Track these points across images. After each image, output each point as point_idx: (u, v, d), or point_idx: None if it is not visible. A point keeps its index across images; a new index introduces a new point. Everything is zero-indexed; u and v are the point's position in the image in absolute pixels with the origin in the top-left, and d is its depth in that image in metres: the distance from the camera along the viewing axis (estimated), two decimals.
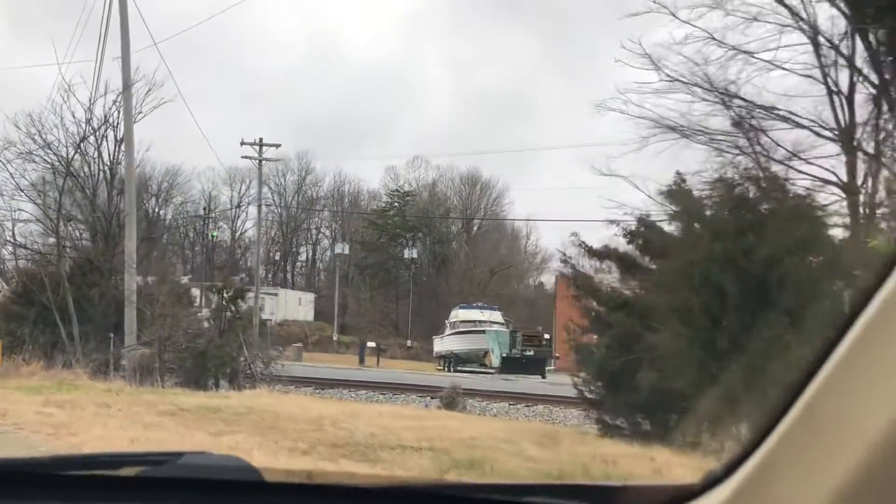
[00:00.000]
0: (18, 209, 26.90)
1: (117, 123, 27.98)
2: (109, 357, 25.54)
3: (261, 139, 59.36)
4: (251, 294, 32.46)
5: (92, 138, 27.99)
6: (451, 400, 25.30)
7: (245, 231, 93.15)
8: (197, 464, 1.95)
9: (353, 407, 20.85)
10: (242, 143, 57.57)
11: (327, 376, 32.75)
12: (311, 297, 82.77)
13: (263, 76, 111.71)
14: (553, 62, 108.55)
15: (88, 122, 27.25)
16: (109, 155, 28.26)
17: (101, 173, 28.13)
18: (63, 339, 25.82)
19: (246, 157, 58.10)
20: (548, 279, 79.95)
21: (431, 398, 27.47)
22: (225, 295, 24.87)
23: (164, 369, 23.89)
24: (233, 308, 24.74)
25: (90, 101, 27.17)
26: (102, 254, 27.70)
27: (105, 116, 27.45)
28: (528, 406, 26.14)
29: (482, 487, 2.12)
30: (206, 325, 26.15)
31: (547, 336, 55.69)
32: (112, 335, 26.27)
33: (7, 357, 23.26)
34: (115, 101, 27.33)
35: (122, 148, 27.26)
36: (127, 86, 25.80)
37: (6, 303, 28.51)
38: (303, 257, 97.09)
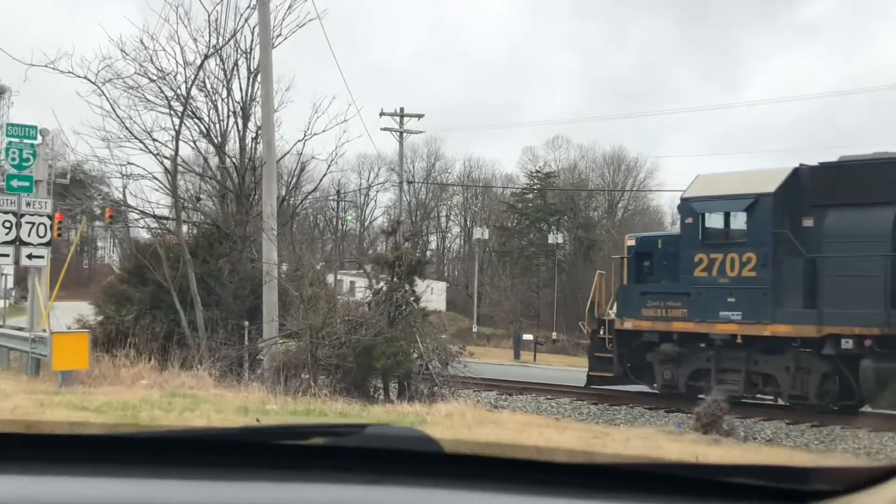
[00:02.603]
0: (129, 162, 20.68)
1: (251, 49, 21.51)
2: (243, 353, 19.06)
3: (402, 109, 53.66)
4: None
5: (217, 68, 21.55)
6: (713, 420, 17.65)
7: (374, 219, 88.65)
8: (380, 434, 1.99)
9: (594, 434, 13.70)
10: (382, 114, 51.91)
11: (493, 374, 25.96)
12: (442, 286, 78.30)
13: (389, 64, 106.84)
14: (686, 42, 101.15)
15: (216, 51, 20.83)
16: (241, 92, 21.86)
17: (231, 114, 21.73)
18: (183, 329, 19.51)
19: (386, 128, 52.54)
20: None
21: (667, 413, 20.13)
22: (397, 269, 18.03)
23: (318, 370, 17.23)
24: (406, 287, 17.89)
25: (213, 19, 20.76)
26: (233, 217, 21.30)
27: (234, 32, 20.97)
28: (814, 427, 18.27)
29: (687, 467, 1.98)
30: (367, 310, 19.34)
31: None
32: (246, 323, 19.82)
33: (108, 353, 17.02)
34: (245, 18, 20.87)
35: (258, 80, 20.78)
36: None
37: (114, 283, 22.46)
38: (433, 245, 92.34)
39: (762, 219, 18.76)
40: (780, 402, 19.59)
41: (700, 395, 19.16)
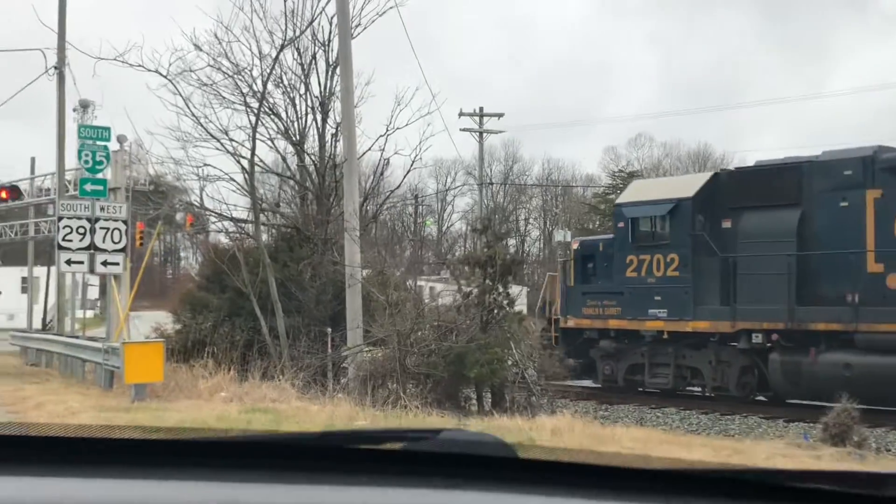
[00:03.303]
0: (205, 164, 19.69)
1: (329, 40, 20.35)
2: (327, 362, 17.87)
3: (481, 108, 52.39)
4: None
5: (294, 63, 20.46)
6: (843, 430, 15.78)
7: (451, 224, 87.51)
8: (455, 439, 1.98)
9: (726, 450, 12.04)
10: (461, 115, 50.65)
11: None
12: (522, 290, 76.37)
13: (461, 69, 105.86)
14: (769, 36, 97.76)
15: (293, 40, 19.72)
16: (320, 87, 20.71)
17: (309, 110, 20.57)
18: (264, 337, 18.41)
19: (466, 129, 51.27)
20: None
21: (787, 423, 18.32)
22: (489, 271, 16.62)
23: (407, 379, 15.92)
24: (500, 289, 16.47)
25: (290, 10, 19.68)
26: (314, 219, 20.17)
27: (311, 20, 19.84)
28: None
29: (766, 473, 2.00)
30: (456, 315, 17.96)
31: None
32: (329, 330, 18.64)
33: (185, 363, 15.96)
34: (322, 7, 19.73)
35: (338, 73, 19.61)
36: None
37: (192, 290, 21.52)
38: (511, 250, 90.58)
39: (682, 222, 19.94)
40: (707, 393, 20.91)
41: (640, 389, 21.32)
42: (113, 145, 22.00)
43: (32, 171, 44.39)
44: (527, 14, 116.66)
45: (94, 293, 65.24)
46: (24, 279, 55.54)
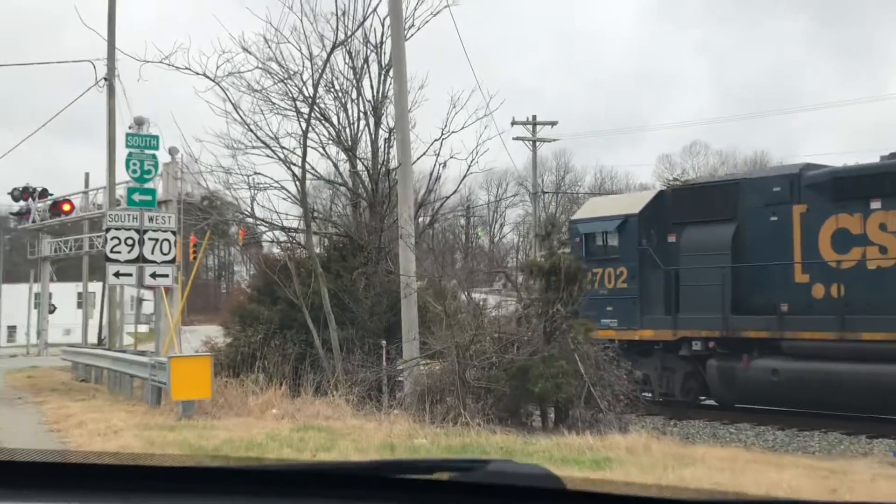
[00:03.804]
0: (256, 172, 19.05)
1: (381, 42, 19.62)
2: (382, 376, 17.04)
3: (534, 117, 51.46)
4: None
5: (346, 67, 19.79)
6: None
7: (503, 236, 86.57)
8: (503, 470, 1.98)
9: (821, 472, 10.94)
10: (514, 123, 49.73)
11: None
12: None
13: (511, 80, 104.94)
14: (823, 42, 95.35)
15: (344, 42, 19.02)
16: (372, 90, 19.98)
17: (361, 115, 19.82)
18: (317, 350, 17.65)
19: (519, 138, 50.36)
20: None
21: (870, 439, 17.16)
22: (553, 278, 15.67)
23: (467, 394, 15.01)
24: (567, 295, 15.50)
25: (341, 12, 18.99)
26: (367, 227, 19.41)
27: (362, 19, 19.12)
28: None
29: None
30: (516, 325, 17.02)
31: None
32: (384, 343, 17.82)
33: (235, 378, 15.23)
34: (374, 7, 19.02)
35: (391, 75, 18.87)
36: None
37: (243, 302, 20.86)
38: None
39: (630, 237, 21.23)
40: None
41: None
42: (163, 157, 21.55)
43: (87, 187, 44.53)
44: (578, 23, 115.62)
45: (149, 308, 65.55)
46: (79, 294, 55.88)
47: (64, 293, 62.26)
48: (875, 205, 17.81)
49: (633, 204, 22.01)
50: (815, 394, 18.21)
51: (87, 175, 47.58)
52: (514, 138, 50.30)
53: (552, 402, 15.95)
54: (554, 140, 53.06)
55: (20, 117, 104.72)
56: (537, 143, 51.93)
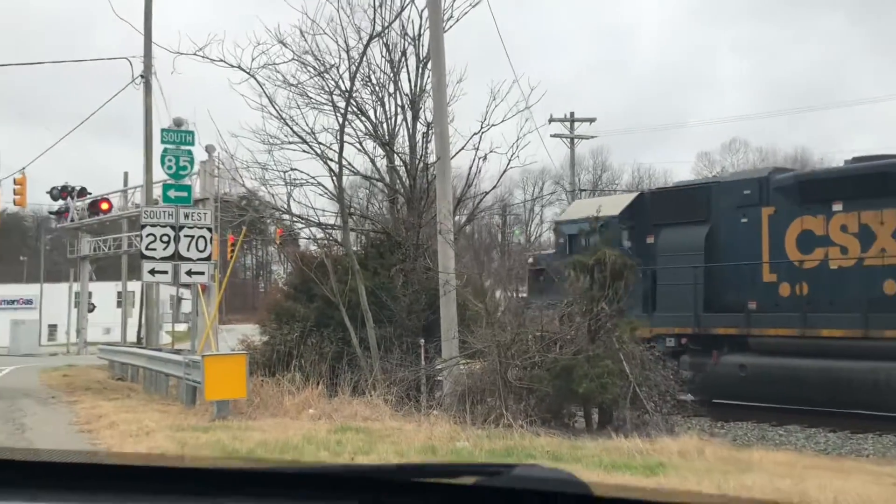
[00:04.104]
0: (292, 168, 18.70)
1: (419, 34, 19.18)
2: (421, 375, 16.62)
3: (572, 113, 50.89)
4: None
5: (382, 60, 19.38)
6: None
7: (540, 235, 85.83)
8: (529, 475, 1.96)
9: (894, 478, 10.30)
10: (551, 120, 49.21)
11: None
12: None
13: (550, 77, 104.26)
14: (864, 38, 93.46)
15: (381, 33, 18.62)
16: (410, 84, 19.55)
17: (399, 109, 19.41)
18: (354, 349, 17.26)
19: (556, 135, 49.84)
20: None
21: None
22: (597, 275, 15.14)
23: (509, 395, 14.53)
24: (612, 293, 14.96)
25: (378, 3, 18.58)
26: (405, 223, 18.99)
27: (399, 9, 18.69)
28: None
29: None
30: (559, 324, 16.48)
31: None
32: (422, 341, 17.40)
33: (271, 377, 14.86)
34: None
35: (429, 68, 18.44)
36: None
37: (280, 299, 20.54)
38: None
39: (610, 238, 21.80)
40: None
41: None
42: (200, 154, 21.31)
43: (125, 186, 44.63)
44: (615, 19, 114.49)
45: (188, 306, 65.82)
46: (119, 293, 56.16)
47: (104, 292, 62.66)
48: (837, 207, 18.53)
49: (614, 206, 22.63)
50: (779, 388, 18.86)
51: (125, 174, 47.66)
52: (551, 135, 49.88)
53: (596, 402, 15.41)
54: (592, 137, 52.40)
55: (56, 117, 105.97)
56: (575, 141, 51.35)
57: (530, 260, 25.81)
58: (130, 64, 25.90)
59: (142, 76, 26.00)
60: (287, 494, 1.82)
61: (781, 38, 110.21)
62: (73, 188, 42.58)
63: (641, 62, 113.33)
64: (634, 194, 23.91)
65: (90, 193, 42.92)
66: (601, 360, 14.63)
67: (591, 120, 51.09)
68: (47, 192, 42.52)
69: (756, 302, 19.43)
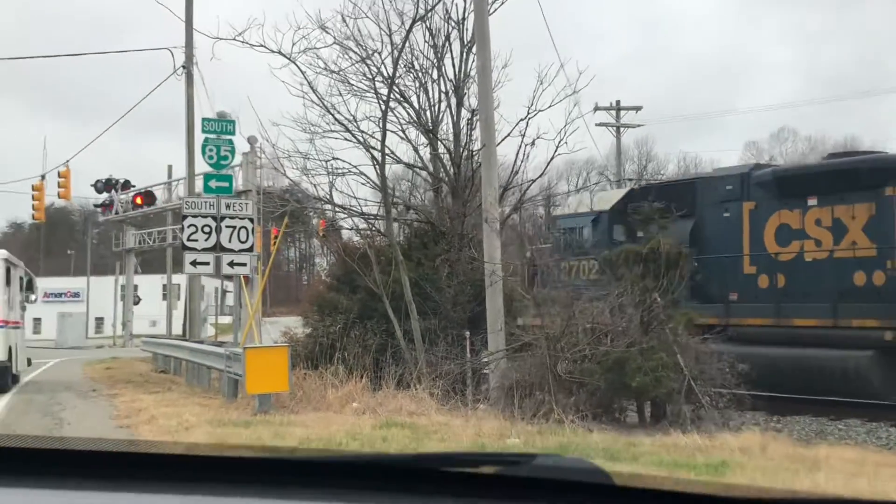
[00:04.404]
0: (334, 157, 18.32)
1: (464, 18, 18.67)
2: (467, 368, 16.15)
3: (618, 102, 50.01)
4: None
5: (426, 46, 18.90)
6: None
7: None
8: (550, 465, 1.96)
9: None
10: (596, 109, 48.18)
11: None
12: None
13: (595, 66, 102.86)
14: None
15: (424, 16, 18.13)
16: (454, 69, 19.04)
17: (443, 96, 18.92)
18: (398, 341, 16.84)
19: (602, 124, 48.99)
20: None
21: None
22: (651, 265, 14.56)
23: (560, 390, 14.01)
24: (666, 283, 14.38)
25: None
26: (449, 213, 18.52)
27: None
28: None
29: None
30: (609, 315, 15.91)
31: None
32: (467, 334, 16.94)
33: (314, 370, 14.49)
34: None
35: (473, 52, 17.91)
36: None
37: (322, 291, 20.18)
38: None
39: (601, 231, 22.68)
40: None
41: None
42: (241, 145, 21.01)
43: (169, 178, 44.71)
44: (661, 7, 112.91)
45: (232, 299, 66.06)
46: (164, 286, 56.47)
47: (150, 285, 63.07)
48: (812, 202, 19.20)
49: (606, 201, 23.66)
50: (755, 376, 19.61)
51: (169, 167, 47.76)
52: (597, 124, 49.06)
53: (650, 397, 14.86)
54: (638, 126, 51.50)
55: (96, 110, 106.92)
56: (621, 130, 50.50)
57: (528, 254, 27.23)
58: (172, 54, 25.76)
59: (183, 66, 25.81)
60: (304, 483, 1.80)
61: (833, 22, 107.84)
62: (116, 181, 42.73)
63: (687, 49, 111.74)
64: (624, 190, 24.81)
65: (134, 186, 43.05)
66: (655, 352, 14.09)
67: (638, 108, 50.23)
68: (92, 185, 42.74)
69: (737, 293, 20.15)
